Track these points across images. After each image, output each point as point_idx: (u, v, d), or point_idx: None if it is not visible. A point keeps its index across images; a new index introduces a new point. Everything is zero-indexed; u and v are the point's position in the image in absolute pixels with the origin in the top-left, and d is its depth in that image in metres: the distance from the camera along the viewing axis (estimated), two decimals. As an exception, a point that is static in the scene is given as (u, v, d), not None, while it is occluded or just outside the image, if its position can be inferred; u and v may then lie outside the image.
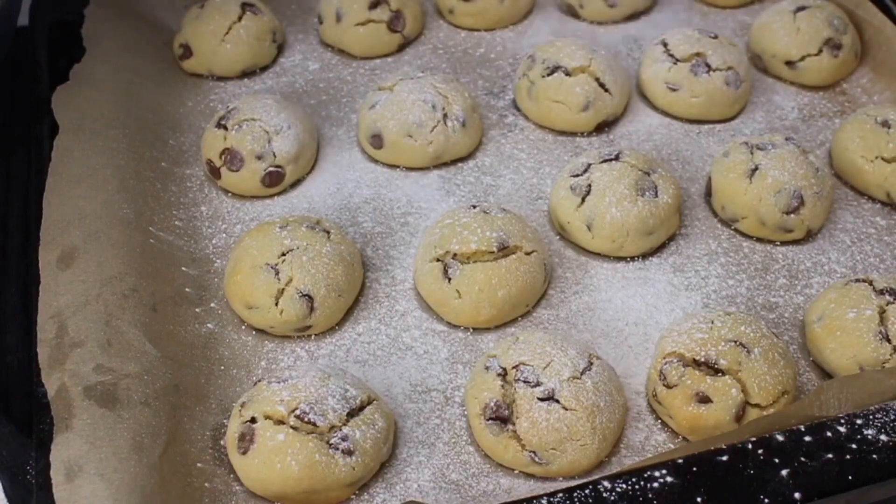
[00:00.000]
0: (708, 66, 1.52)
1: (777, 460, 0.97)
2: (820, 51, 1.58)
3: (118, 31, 1.59)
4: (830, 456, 0.98)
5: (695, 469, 0.97)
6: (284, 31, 1.72)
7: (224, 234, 1.37)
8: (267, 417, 1.05)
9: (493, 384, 1.09)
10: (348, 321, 1.26)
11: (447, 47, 1.70)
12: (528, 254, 1.24)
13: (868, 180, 1.41)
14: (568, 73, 1.50)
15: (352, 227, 1.38)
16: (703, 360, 1.10)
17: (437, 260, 1.24)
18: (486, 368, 1.11)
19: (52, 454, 1.00)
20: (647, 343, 1.22)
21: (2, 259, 1.29)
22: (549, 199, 1.40)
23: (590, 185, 1.32)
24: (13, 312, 1.22)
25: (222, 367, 1.19)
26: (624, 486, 0.95)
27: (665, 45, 1.57)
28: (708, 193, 1.41)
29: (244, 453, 1.04)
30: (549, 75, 1.50)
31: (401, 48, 1.69)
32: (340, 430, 1.04)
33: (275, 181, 1.41)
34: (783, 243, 1.36)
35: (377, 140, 1.46)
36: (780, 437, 0.99)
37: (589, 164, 1.35)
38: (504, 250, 1.23)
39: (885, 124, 1.42)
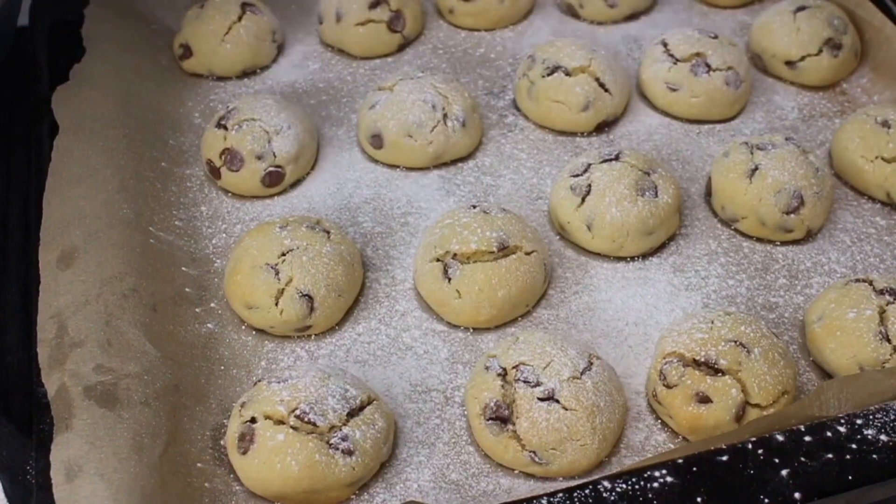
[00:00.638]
0: (708, 66, 1.52)
1: (777, 460, 0.97)
2: (820, 51, 1.58)
3: (118, 31, 1.59)
4: (830, 456, 0.98)
5: (695, 469, 0.97)
6: (284, 32, 1.72)
7: (224, 234, 1.37)
8: (267, 417, 1.05)
9: (493, 384, 1.09)
10: (348, 321, 1.26)
11: (447, 47, 1.70)
12: (528, 254, 1.24)
13: (868, 180, 1.41)
14: (568, 73, 1.50)
15: (352, 227, 1.38)
16: (703, 360, 1.10)
17: (437, 260, 1.24)
18: (486, 368, 1.11)
19: (52, 454, 1.00)
20: (647, 343, 1.22)
21: (2, 259, 1.29)
22: (549, 199, 1.40)
23: (590, 185, 1.32)
24: (13, 312, 1.22)
25: (222, 367, 1.20)
26: (624, 486, 0.95)
27: (665, 45, 1.57)
28: (708, 193, 1.41)
29: (244, 453, 1.04)
30: (549, 75, 1.50)
31: (401, 48, 1.69)
32: (340, 430, 1.04)
33: (275, 181, 1.41)
34: (783, 243, 1.36)
35: (377, 140, 1.46)
36: (780, 437, 0.99)
37: (589, 164, 1.35)
38: (504, 250, 1.23)
39: (885, 124, 1.42)
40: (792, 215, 1.32)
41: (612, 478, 0.96)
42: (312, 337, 1.24)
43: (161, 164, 1.43)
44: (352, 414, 1.06)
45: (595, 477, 0.99)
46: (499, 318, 1.23)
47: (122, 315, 1.15)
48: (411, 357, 1.21)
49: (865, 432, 1.00)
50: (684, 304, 1.27)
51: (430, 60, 1.68)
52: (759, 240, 1.36)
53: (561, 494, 0.95)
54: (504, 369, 1.10)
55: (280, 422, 1.04)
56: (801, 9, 1.61)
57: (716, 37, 1.56)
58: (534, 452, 1.06)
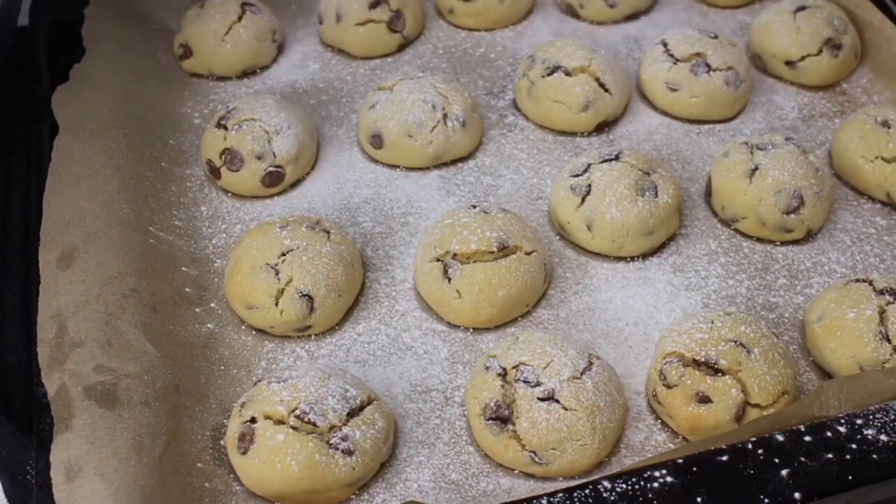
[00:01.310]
0: (708, 66, 1.52)
1: (777, 460, 0.97)
2: (820, 51, 1.58)
3: (118, 31, 1.59)
4: (830, 456, 0.98)
5: (695, 469, 0.97)
6: (284, 31, 1.72)
7: (224, 234, 1.37)
8: (267, 417, 1.05)
9: (493, 384, 1.09)
10: (348, 321, 1.26)
11: (447, 47, 1.70)
12: (528, 254, 1.24)
13: (868, 180, 1.41)
14: (568, 73, 1.50)
15: (352, 227, 1.38)
16: (703, 360, 1.10)
17: (437, 260, 1.24)
18: (486, 368, 1.11)
19: (52, 454, 1.00)
20: (647, 343, 1.22)
21: (2, 259, 1.29)
22: (549, 199, 1.40)
23: (590, 185, 1.32)
24: (13, 312, 1.22)
25: (222, 367, 1.20)
26: (624, 486, 0.95)
27: (665, 45, 1.57)
28: (708, 193, 1.41)
29: (244, 453, 1.04)
30: (549, 75, 1.50)
31: (401, 48, 1.69)
32: (340, 430, 1.04)
33: (275, 181, 1.41)
34: (783, 243, 1.36)
35: (377, 140, 1.46)
36: (780, 437, 0.99)
37: (589, 164, 1.35)
38: (504, 250, 1.23)
39: (885, 124, 1.42)
40: (792, 215, 1.32)
41: (612, 478, 0.96)
42: (312, 337, 1.24)
43: (161, 164, 1.43)
44: (352, 414, 1.06)
45: (595, 477, 0.99)
46: (499, 318, 1.23)
47: (122, 315, 1.15)
48: (411, 357, 1.21)
49: (865, 432, 1.00)
50: (684, 304, 1.27)
51: (430, 60, 1.67)
52: (759, 240, 1.36)
53: (561, 494, 0.95)
54: (504, 369, 1.10)
55: (280, 422, 1.04)
56: (801, 9, 1.61)
57: (716, 37, 1.56)
58: (534, 452, 1.06)
